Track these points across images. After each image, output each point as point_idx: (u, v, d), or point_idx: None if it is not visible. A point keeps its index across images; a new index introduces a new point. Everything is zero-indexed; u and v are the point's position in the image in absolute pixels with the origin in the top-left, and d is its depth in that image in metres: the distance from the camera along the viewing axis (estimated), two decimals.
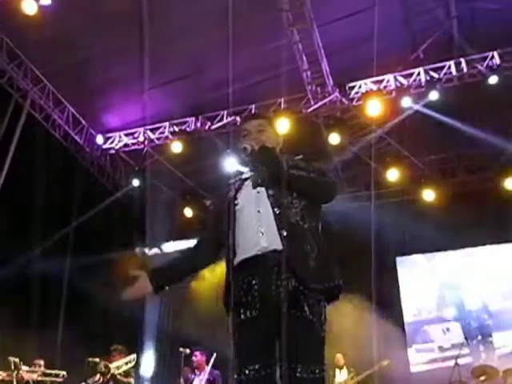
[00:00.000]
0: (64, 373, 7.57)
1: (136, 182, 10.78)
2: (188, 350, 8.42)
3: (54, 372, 7.53)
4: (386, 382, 9.51)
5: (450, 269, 11.70)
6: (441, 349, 11.04)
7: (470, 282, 11.43)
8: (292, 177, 2.78)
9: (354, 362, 9.59)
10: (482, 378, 8.46)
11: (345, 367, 9.58)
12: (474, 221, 9.81)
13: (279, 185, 2.77)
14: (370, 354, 9.42)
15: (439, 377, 9.72)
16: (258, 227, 2.75)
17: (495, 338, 10.62)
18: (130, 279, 2.91)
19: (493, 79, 8.61)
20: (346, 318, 9.36)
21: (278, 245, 2.70)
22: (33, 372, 7.30)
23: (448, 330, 11.17)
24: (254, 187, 2.87)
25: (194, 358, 8.62)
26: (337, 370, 9.55)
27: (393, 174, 10.66)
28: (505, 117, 9.06)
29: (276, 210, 2.75)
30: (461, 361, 8.90)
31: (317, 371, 2.55)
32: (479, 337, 8.19)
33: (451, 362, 9.88)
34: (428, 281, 11.80)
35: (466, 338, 9.62)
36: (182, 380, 8.53)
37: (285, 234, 2.69)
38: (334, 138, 9.58)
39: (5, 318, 7.30)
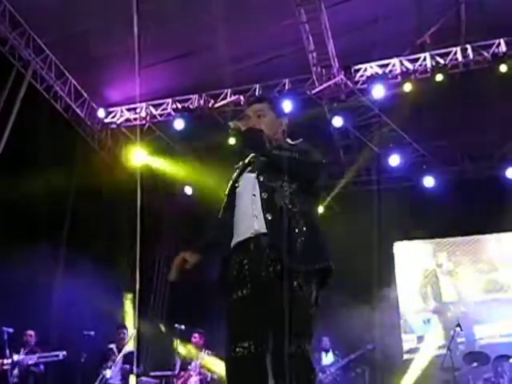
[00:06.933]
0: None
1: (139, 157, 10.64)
2: (183, 327, 8.50)
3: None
4: (376, 367, 9.57)
5: (433, 257, 11.66)
6: (420, 339, 11.04)
7: (452, 272, 11.40)
8: (275, 157, 2.83)
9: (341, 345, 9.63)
10: (475, 364, 8.49)
11: (331, 350, 9.59)
12: (474, 209, 9.78)
13: (269, 169, 2.84)
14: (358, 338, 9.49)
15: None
16: (252, 211, 2.80)
17: (475, 330, 10.59)
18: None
19: (503, 67, 8.54)
20: None
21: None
22: None
23: (428, 321, 11.17)
24: (251, 172, 2.95)
25: (192, 339, 8.70)
26: (323, 353, 9.56)
27: (394, 160, 10.62)
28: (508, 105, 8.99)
29: (263, 194, 2.79)
30: (442, 351, 8.92)
31: (304, 346, 2.59)
32: (458, 329, 8.18)
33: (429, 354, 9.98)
34: (414, 269, 11.74)
35: (452, 329, 9.49)
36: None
37: (269, 218, 2.73)
38: (338, 121, 9.53)
39: None
